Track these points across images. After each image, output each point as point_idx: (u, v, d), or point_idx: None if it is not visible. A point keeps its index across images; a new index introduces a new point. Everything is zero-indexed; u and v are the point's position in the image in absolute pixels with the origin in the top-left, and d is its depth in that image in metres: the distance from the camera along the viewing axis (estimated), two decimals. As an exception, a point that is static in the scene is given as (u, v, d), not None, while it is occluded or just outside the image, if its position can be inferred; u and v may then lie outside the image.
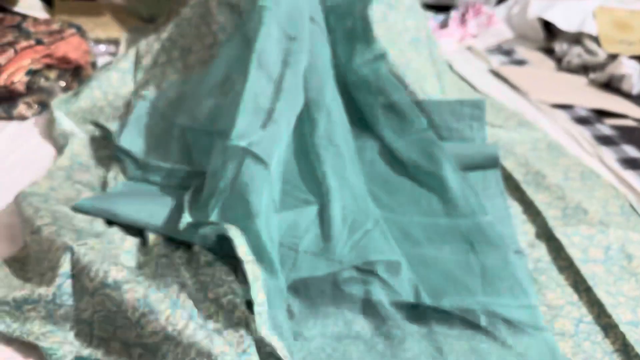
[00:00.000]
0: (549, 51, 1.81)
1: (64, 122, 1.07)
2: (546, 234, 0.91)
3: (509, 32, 1.82)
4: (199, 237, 0.74)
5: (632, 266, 0.84)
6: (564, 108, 1.37)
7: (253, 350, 0.62)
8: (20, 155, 1.01)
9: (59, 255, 0.67)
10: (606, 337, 0.74)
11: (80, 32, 1.34)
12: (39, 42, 1.18)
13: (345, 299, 0.73)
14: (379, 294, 0.72)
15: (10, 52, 1.11)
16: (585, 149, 1.18)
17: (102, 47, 1.50)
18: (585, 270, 0.83)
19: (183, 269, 0.72)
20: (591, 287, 0.80)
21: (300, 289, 0.72)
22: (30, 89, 1.13)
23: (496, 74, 1.56)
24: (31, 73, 1.13)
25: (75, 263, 0.66)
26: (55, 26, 1.29)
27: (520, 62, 1.69)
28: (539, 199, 0.98)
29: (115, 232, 0.78)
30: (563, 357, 0.69)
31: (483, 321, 0.71)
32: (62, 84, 1.21)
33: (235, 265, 0.73)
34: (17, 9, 1.55)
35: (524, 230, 0.92)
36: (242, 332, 0.63)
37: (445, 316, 0.72)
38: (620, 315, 0.76)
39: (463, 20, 1.83)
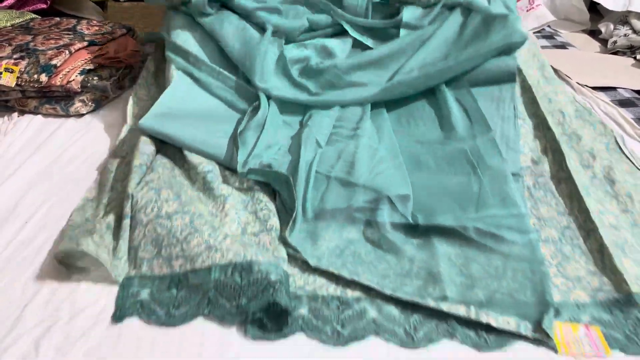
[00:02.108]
0: (593, 33, 1.76)
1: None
2: (553, 148, 0.99)
3: (551, 15, 1.78)
4: (244, 173, 0.91)
5: (615, 189, 0.93)
6: (607, 90, 1.35)
7: (283, 252, 0.78)
8: (77, 149, 1.09)
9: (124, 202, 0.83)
10: (587, 240, 0.83)
11: (131, 32, 1.42)
12: (92, 43, 1.27)
13: (359, 221, 0.85)
14: (386, 217, 0.84)
15: (65, 54, 1.19)
16: (625, 131, 1.16)
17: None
18: (581, 180, 0.92)
19: (226, 186, 0.90)
20: (582, 197, 0.88)
21: (324, 215, 0.85)
22: (84, 87, 1.21)
23: (537, 58, 1.54)
24: (85, 72, 1.21)
25: (134, 205, 0.82)
26: (107, 27, 1.37)
27: (563, 46, 1.66)
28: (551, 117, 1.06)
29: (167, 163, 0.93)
30: (543, 256, 0.78)
31: (473, 234, 0.81)
32: (114, 81, 1.29)
33: (272, 190, 0.91)
34: (73, 12, 1.66)
35: (533, 146, 1.00)
36: (274, 235, 0.81)
37: (442, 232, 0.82)
38: (605, 220, 0.84)
39: (503, 4, 1.81)
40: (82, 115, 1.22)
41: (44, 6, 1.59)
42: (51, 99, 1.21)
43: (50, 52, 1.20)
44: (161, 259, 0.76)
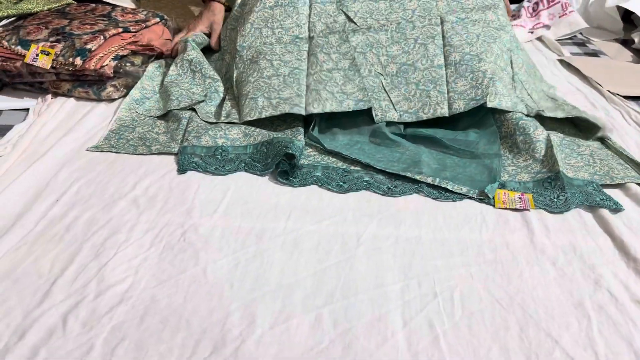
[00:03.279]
0: (626, 42, 1.74)
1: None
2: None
3: (584, 23, 1.76)
4: None
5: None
6: (639, 100, 1.33)
7: (299, 138, 1.05)
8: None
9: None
10: (536, 130, 1.07)
11: (164, 21, 1.43)
12: (126, 30, 1.29)
13: (365, 131, 1.13)
14: (385, 129, 1.11)
15: (100, 39, 1.21)
16: (657, 142, 1.14)
17: (182, 36, 1.59)
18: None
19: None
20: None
21: (337, 125, 1.14)
22: (117, 73, 1.23)
23: (568, 65, 1.53)
24: (118, 58, 1.23)
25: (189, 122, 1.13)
26: (141, 15, 1.39)
27: (595, 54, 1.64)
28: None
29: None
30: (501, 153, 1.05)
31: (448, 143, 1.08)
32: (146, 69, 1.31)
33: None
34: None
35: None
36: (294, 130, 1.09)
37: (428, 141, 1.10)
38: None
39: (536, 9, 1.79)
40: (114, 100, 1.24)
41: (80, -8, 1.62)
42: (84, 83, 1.23)
43: (85, 36, 1.22)
44: (207, 136, 1.06)
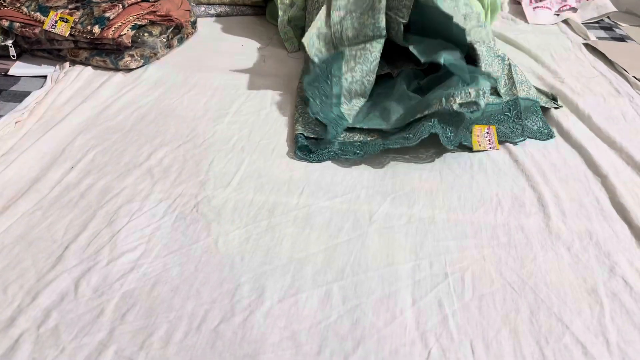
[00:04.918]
0: (655, 27, 1.69)
1: None
2: None
3: (612, 6, 1.71)
4: None
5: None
6: (664, 87, 1.29)
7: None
8: (124, 102, 1.11)
9: None
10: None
11: (182, -8, 1.42)
12: (145, -1, 1.28)
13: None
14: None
15: (119, 8, 1.21)
16: (681, 130, 1.11)
17: (202, 8, 1.58)
18: None
19: None
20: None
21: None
22: (135, 42, 1.23)
23: (594, 49, 1.49)
24: (136, 28, 1.22)
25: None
26: (160, -15, 1.38)
27: (622, 39, 1.60)
28: None
29: None
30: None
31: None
32: (164, 39, 1.30)
33: None
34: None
35: None
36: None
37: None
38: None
39: (563, -9, 1.75)
40: (131, 70, 1.23)
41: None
42: (102, 52, 1.22)
43: (104, 4, 1.21)
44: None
